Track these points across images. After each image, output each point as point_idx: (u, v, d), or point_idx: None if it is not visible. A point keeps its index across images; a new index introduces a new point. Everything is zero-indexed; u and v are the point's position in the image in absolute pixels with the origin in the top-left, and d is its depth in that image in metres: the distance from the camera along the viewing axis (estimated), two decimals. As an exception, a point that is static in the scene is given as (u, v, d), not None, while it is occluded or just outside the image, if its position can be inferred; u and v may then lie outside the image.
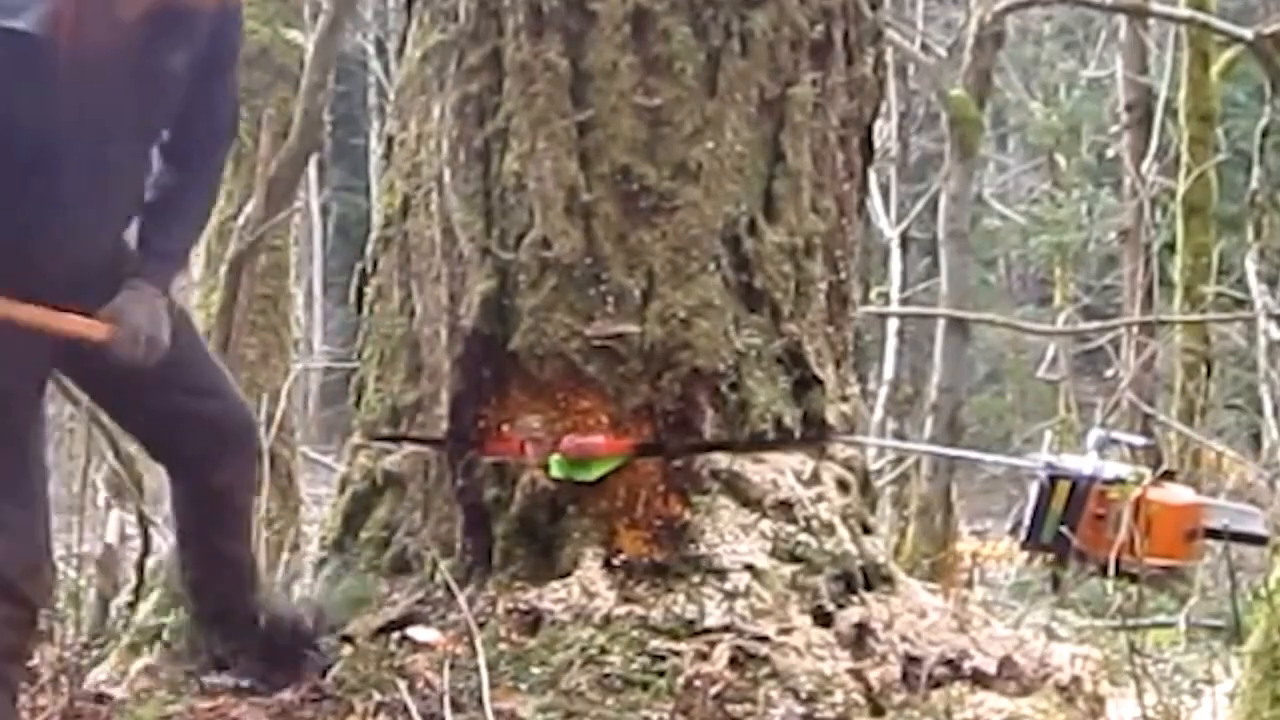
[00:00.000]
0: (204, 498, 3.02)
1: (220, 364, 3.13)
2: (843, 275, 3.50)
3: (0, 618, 2.65)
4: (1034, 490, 3.49)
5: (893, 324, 11.29)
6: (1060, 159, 17.01)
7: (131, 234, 2.89)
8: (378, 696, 2.89)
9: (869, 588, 3.26)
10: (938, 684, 3.06)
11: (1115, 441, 4.04)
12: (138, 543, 4.40)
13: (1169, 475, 3.71)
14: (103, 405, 3.09)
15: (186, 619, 3.21)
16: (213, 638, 3.12)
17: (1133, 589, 3.53)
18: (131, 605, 4.13)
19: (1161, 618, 4.87)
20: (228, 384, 3.06)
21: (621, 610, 3.07)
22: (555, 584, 3.14)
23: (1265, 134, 8.71)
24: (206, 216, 3.10)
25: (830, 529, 3.26)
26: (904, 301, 12.38)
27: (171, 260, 2.93)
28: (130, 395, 2.93)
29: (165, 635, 3.29)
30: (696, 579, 3.13)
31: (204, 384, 2.98)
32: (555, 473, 3.16)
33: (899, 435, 10.85)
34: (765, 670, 2.96)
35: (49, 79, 2.58)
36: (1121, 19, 12.53)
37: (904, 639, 3.14)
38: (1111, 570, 3.31)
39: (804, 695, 2.93)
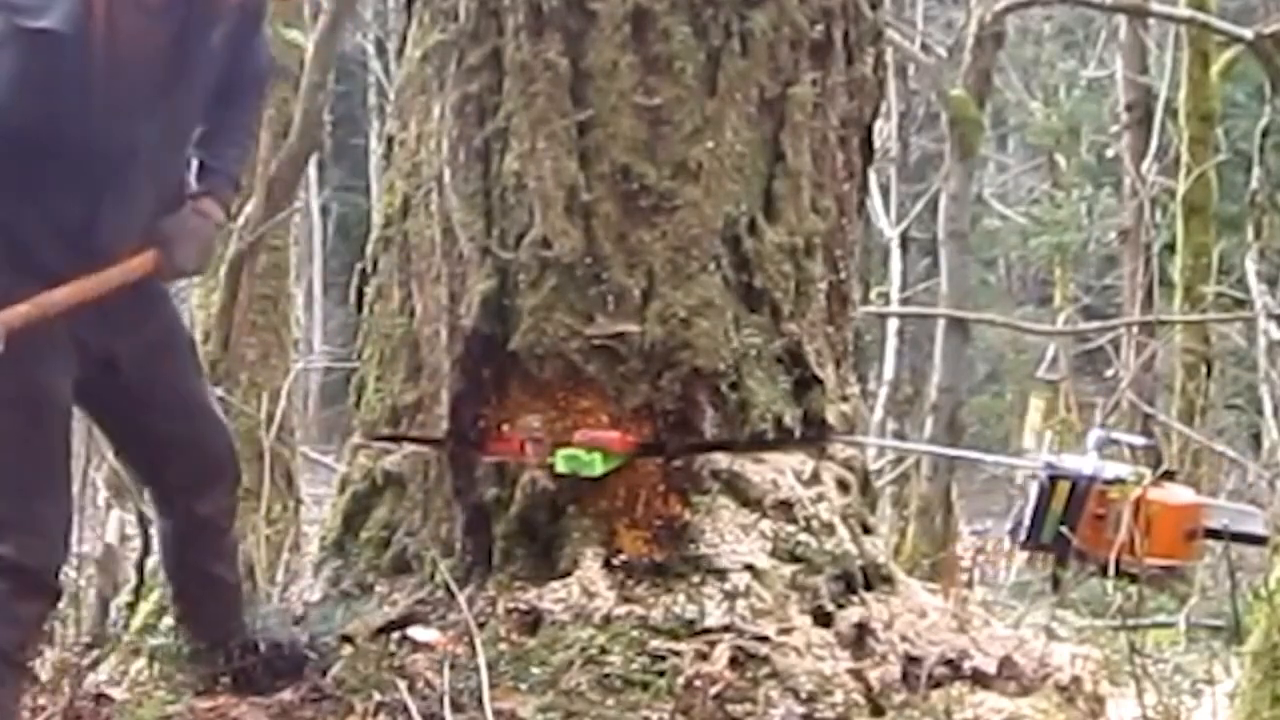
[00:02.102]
0: (190, 525, 3.06)
1: (206, 385, 3.17)
2: (843, 275, 3.50)
3: (35, 612, 2.76)
4: (1034, 490, 3.49)
5: (893, 324, 11.29)
6: (1060, 159, 17.01)
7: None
8: (378, 696, 2.89)
9: (869, 588, 3.26)
10: (938, 684, 3.06)
11: (1115, 442, 4.04)
12: (138, 543, 4.39)
13: (1169, 475, 3.71)
14: (101, 425, 3.11)
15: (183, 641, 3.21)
16: (213, 660, 3.13)
17: (1133, 589, 3.52)
18: (131, 605, 4.14)
19: (1161, 618, 4.86)
20: (214, 406, 3.12)
21: (621, 610, 3.07)
22: (555, 584, 3.14)
23: (1265, 134, 8.70)
24: (250, 145, 3.27)
25: (830, 529, 3.26)
26: (904, 301, 12.38)
27: (223, 176, 3.01)
28: (130, 417, 2.97)
29: (160, 643, 3.30)
30: (696, 579, 3.13)
31: (195, 406, 3.03)
32: (560, 468, 3.15)
33: (899, 435, 10.85)
34: (765, 670, 2.96)
35: (86, 75, 2.60)
36: (1121, 19, 12.52)
37: (904, 639, 3.14)
38: (1111, 570, 3.31)
39: (804, 695, 2.93)
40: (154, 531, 3.51)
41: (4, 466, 2.71)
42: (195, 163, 2.97)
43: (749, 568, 3.13)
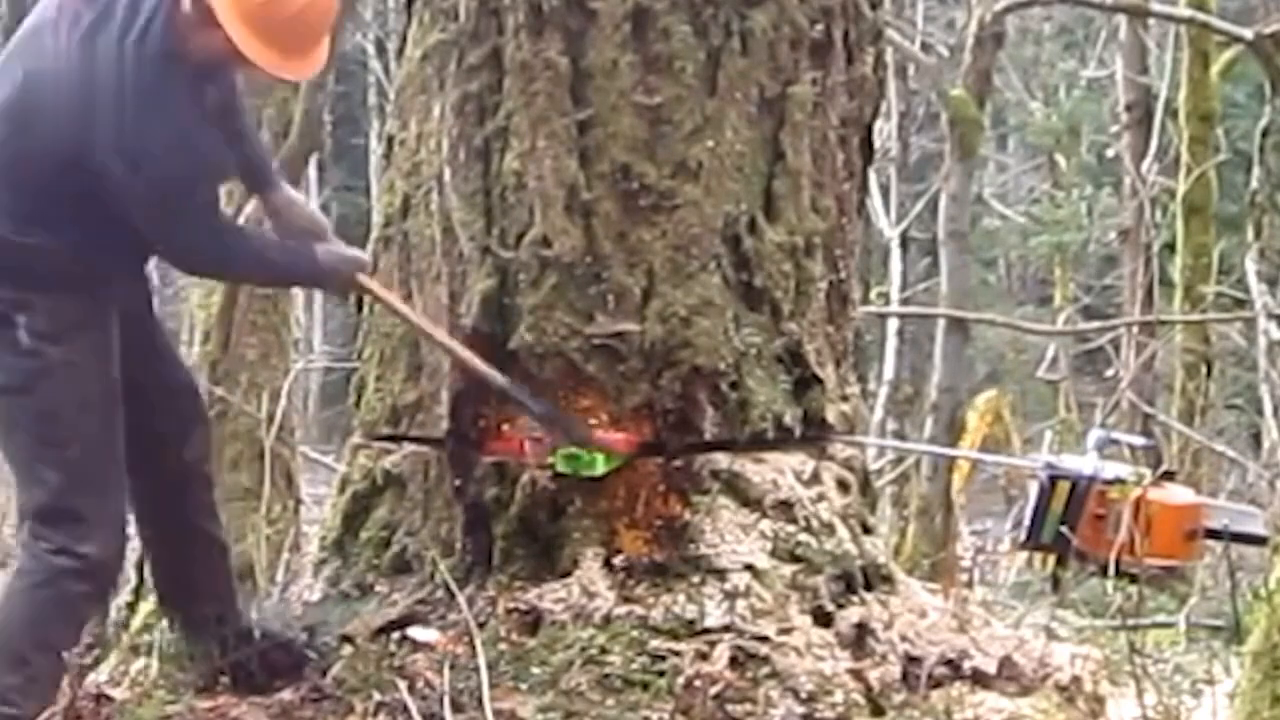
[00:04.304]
0: (179, 474, 3.10)
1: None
2: (843, 275, 3.49)
3: (95, 615, 2.94)
4: (1034, 490, 3.49)
5: (893, 324, 11.29)
6: (1060, 159, 17.01)
7: None
8: (378, 696, 2.89)
9: (869, 588, 3.26)
10: (938, 684, 3.06)
11: (1115, 442, 4.04)
12: (138, 543, 4.39)
13: (1169, 475, 3.71)
14: None
15: (180, 635, 3.21)
16: (210, 648, 3.12)
17: (1133, 589, 3.52)
18: (131, 605, 4.13)
19: (1161, 618, 4.86)
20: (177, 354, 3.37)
21: (621, 610, 3.07)
22: (555, 584, 3.14)
23: (1265, 134, 8.71)
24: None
25: (830, 529, 3.26)
26: (904, 301, 12.39)
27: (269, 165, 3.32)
28: (126, 371, 2.99)
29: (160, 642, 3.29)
30: (696, 579, 3.13)
31: (166, 352, 3.18)
32: (560, 468, 3.15)
33: (899, 435, 10.84)
34: (765, 670, 2.96)
35: None
36: (1121, 19, 12.52)
37: (904, 639, 3.14)
38: (1111, 570, 3.31)
39: (804, 695, 2.93)
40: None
41: (87, 465, 2.81)
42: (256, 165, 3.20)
43: (749, 568, 3.13)
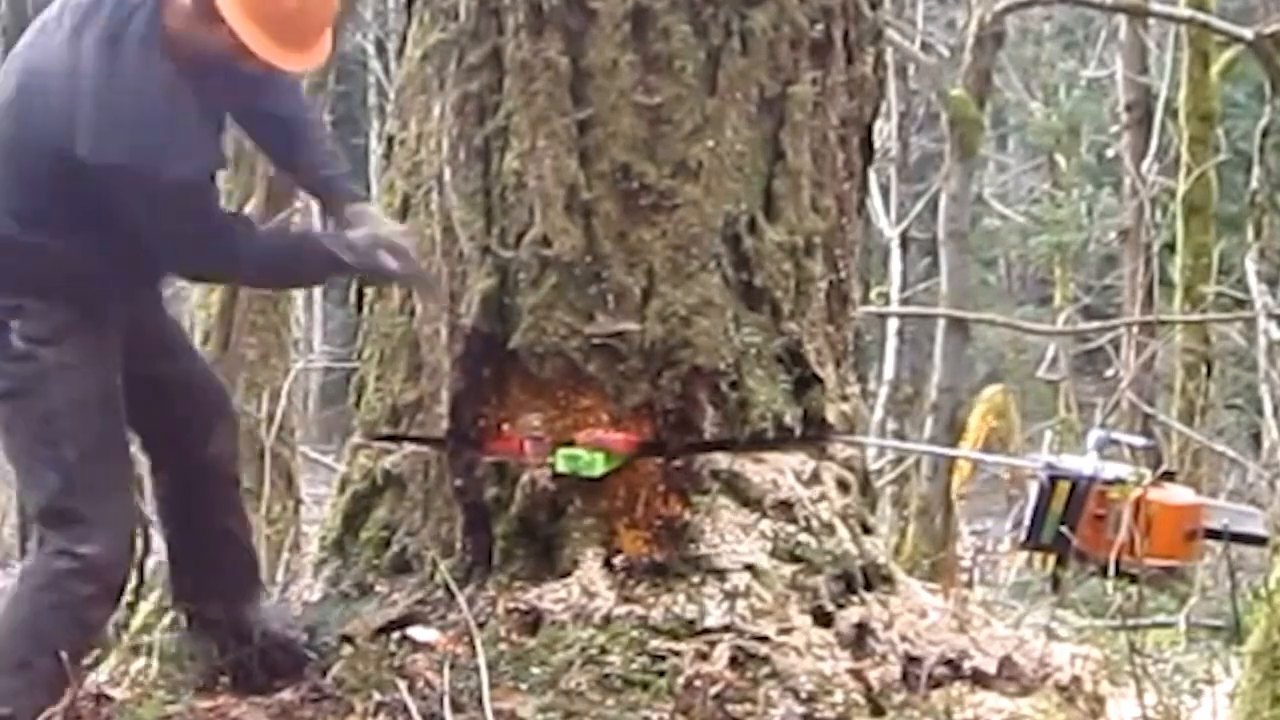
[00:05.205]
0: (198, 470, 3.08)
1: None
2: (843, 274, 3.49)
3: (102, 618, 2.91)
4: (1034, 490, 3.49)
5: (893, 324, 11.29)
6: (1060, 159, 17.00)
7: None
8: (378, 696, 2.89)
9: (869, 588, 3.25)
10: (938, 684, 3.06)
11: (1115, 442, 4.03)
12: (138, 543, 4.39)
13: (1169, 476, 3.71)
14: None
15: (180, 633, 3.21)
16: (211, 648, 3.12)
17: (1133, 589, 3.52)
18: (131, 605, 4.13)
19: (1161, 618, 4.86)
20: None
21: (621, 610, 3.07)
22: (555, 584, 3.14)
23: (1265, 134, 8.72)
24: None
25: (830, 529, 3.26)
26: (904, 301, 12.38)
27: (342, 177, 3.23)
28: (130, 361, 2.99)
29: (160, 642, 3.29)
30: (696, 579, 3.13)
31: (183, 346, 3.18)
32: (560, 468, 3.15)
33: (899, 435, 10.84)
34: (765, 670, 2.96)
35: None
36: (1121, 19, 12.52)
37: (904, 639, 3.14)
38: (1111, 570, 3.31)
39: (804, 695, 2.93)
40: (153, 511, 3.52)
41: (85, 466, 2.80)
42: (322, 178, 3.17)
43: (749, 568, 3.13)
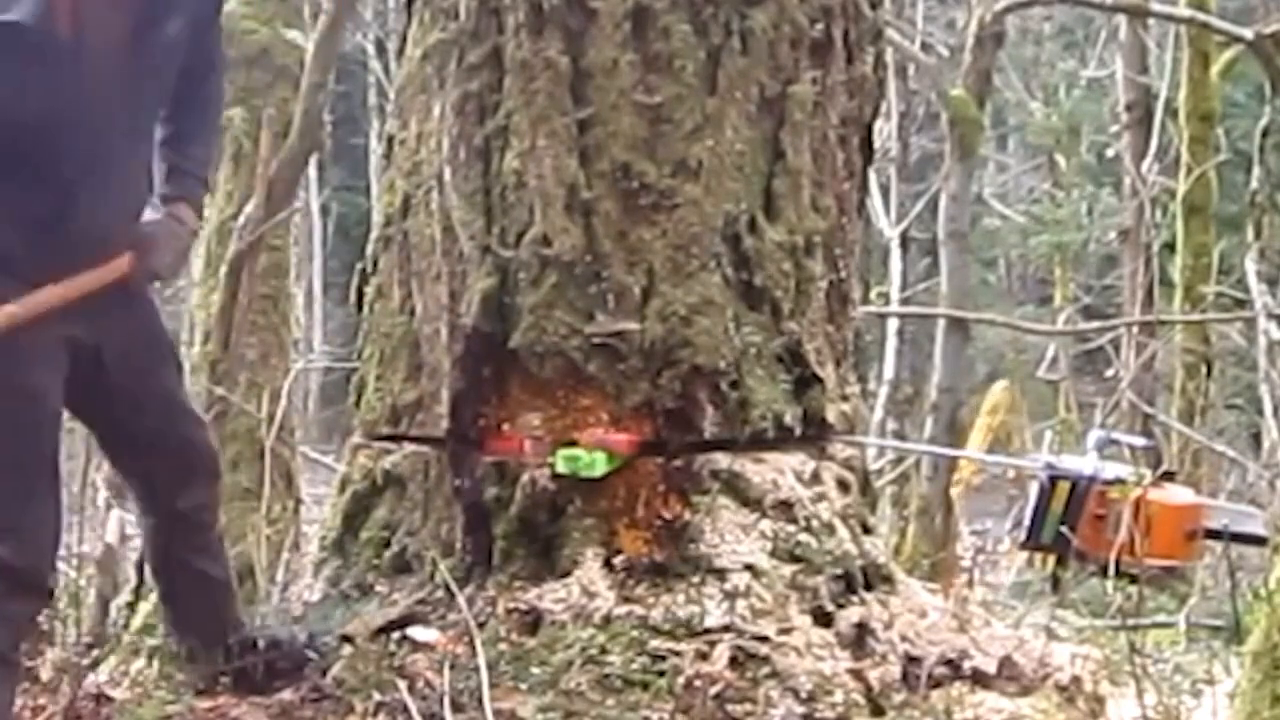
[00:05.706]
0: (172, 520, 3.06)
1: (183, 382, 3.19)
2: (843, 274, 3.49)
3: (27, 611, 2.79)
4: (1034, 490, 3.49)
5: (893, 324, 11.28)
6: (1060, 159, 17.01)
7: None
8: (378, 696, 2.89)
9: (869, 588, 3.25)
10: (938, 684, 3.06)
11: (1115, 442, 4.03)
12: (138, 543, 4.39)
13: (1169, 475, 3.71)
14: (86, 423, 3.12)
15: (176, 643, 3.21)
16: (213, 660, 3.12)
17: (1133, 589, 3.52)
18: (131, 605, 4.13)
19: (1161, 618, 4.86)
20: (191, 404, 3.16)
21: (621, 610, 3.07)
22: (555, 584, 3.14)
23: (1265, 134, 8.72)
24: (214, 137, 3.20)
25: (830, 529, 3.26)
26: (904, 301, 12.37)
27: (194, 179, 3.03)
28: (115, 414, 2.97)
29: (160, 642, 3.29)
30: (696, 579, 3.13)
31: (177, 405, 3.05)
32: (560, 468, 3.15)
33: (899, 435, 10.84)
34: (765, 670, 2.96)
35: (53, 67, 2.61)
36: (1121, 19, 12.52)
37: (904, 639, 3.14)
38: (1111, 570, 3.31)
39: (804, 695, 2.93)
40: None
41: None
42: (163, 165, 2.97)
43: (749, 568, 3.13)
